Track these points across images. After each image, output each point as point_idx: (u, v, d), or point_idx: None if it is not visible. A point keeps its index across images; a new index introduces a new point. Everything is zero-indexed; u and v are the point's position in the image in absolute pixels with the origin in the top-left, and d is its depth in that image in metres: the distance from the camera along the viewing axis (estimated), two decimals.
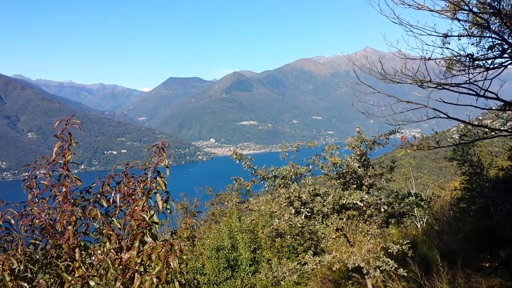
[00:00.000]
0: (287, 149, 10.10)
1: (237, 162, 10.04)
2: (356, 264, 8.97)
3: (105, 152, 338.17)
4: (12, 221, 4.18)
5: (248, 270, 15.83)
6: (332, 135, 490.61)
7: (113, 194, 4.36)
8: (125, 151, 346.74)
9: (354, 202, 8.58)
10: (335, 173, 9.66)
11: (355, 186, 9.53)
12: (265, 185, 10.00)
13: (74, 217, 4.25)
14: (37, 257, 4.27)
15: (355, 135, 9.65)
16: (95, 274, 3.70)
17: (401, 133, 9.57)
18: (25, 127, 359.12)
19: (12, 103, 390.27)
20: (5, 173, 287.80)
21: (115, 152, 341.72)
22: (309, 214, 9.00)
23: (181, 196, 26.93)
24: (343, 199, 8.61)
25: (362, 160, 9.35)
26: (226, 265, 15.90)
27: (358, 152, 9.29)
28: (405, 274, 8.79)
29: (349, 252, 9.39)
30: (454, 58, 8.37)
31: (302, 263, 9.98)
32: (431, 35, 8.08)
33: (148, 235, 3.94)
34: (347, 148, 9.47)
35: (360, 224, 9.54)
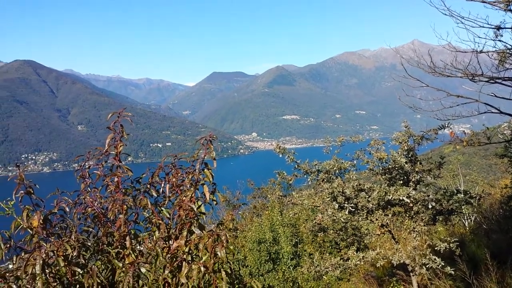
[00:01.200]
0: (330, 143, 10.02)
1: (280, 156, 10.06)
2: (401, 261, 8.81)
3: (151, 144, 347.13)
4: (67, 209, 4.37)
5: (290, 264, 15.87)
6: (376, 130, 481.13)
7: (162, 185, 4.49)
8: (170, 144, 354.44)
9: (400, 198, 8.41)
10: (380, 168, 9.49)
11: (401, 182, 9.34)
12: (308, 180, 9.98)
13: (125, 206, 4.40)
14: (89, 244, 4.46)
15: (402, 130, 9.43)
16: (145, 261, 3.83)
17: (450, 128, 9.27)
18: (75, 120, 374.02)
19: (63, 97, 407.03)
20: (56, 164, 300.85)
21: (160, 145, 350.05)
22: (353, 209, 8.91)
23: (224, 189, 27.30)
24: (389, 195, 8.47)
25: (410, 155, 9.14)
26: (268, 258, 16.00)
27: (406, 147, 9.08)
28: (452, 272, 8.55)
29: (394, 249, 9.23)
30: (508, 51, 8.00)
31: (345, 258, 9.90)
32: (483, 27, 7.75)
33: (195, 225, 4.04)
34: (394, 143, 9.29)
35: (406, 221, 9.35)
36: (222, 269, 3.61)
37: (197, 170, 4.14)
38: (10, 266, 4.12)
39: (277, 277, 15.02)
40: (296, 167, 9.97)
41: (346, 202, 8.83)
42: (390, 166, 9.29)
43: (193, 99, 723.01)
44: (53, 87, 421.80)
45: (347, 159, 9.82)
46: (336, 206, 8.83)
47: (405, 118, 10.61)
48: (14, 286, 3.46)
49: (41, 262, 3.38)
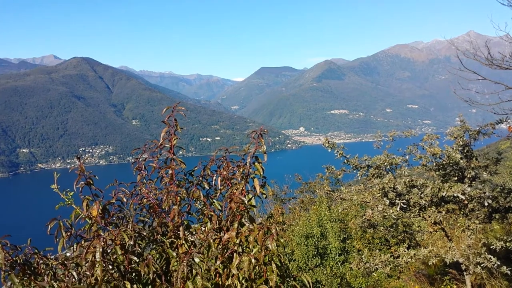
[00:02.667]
0: (381, 138, 9.81)
1: (329, 150, 9.96)
2: (455, 260, 8.52)
3: (200, 139, 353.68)
4: (124, 200, 4.57)
5: (338, 259, 15.73)
6: (429, 124, 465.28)
7: (214, 178, 4.59)
8: (218, 138, 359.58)
9: (455, 195, 8.12)
10: (434, 164, 9.19)
11: (456, 178, 9.00)
12: (358, 175, 9.82)
13: (178, 198, 4.55)
14: (145, 233, 4.63)
15: (457, 124, 9.08)
16: (198, 251, 3.94)
17: (509, 123, 8.83)
18: (129, 115, 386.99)
19: (118, 93, 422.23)
20: (112, 157, 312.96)
21: (209, 139, 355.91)
22: (404, 206, 8.70)
23: (272, 183, 27.42)
24: (443, 192, 8.19)
25: (465, 151, 8.78)
26: (315, 252, 15.94)
27: (461, 143, 8.73)
28: (508, 272, 8.17)
29: (447, 247, 8.94)
30: None
31: (395, 255, 9.69)
32: None
33: (246, 217, 4.11)
34: (449, 138, 8.96)
35: (460, 218, 9.02)
36: (272, 261, 3.65)
37: (248, 164, 4.20)
38: (68, 254, 4.37)
39: (324, 272, 14.95)
40: (345, 162, 9.84)
41: (398, 198, 8.64)
42: (444, 162, 8.97)
43: (241, 94, 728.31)
44: (109, 83, 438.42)
45: (398, 154, 9.58)
46: (387, 202, 8.65)
47: (460, 112, 10.21)
48: (74, 273, 3.66)
49: (100, 250, 3.55)
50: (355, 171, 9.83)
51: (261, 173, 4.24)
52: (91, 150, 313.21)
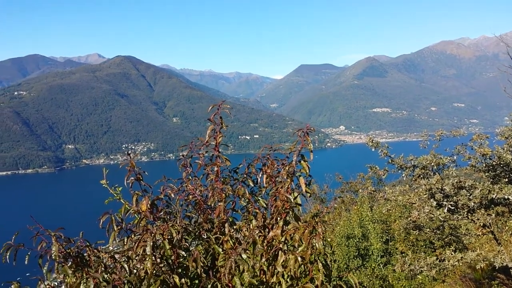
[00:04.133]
0: (427, 137, 9.54)
1: (373, 149, 9.78)
2: (504, 264, 8.18)
3: (239, 137, 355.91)
4: (172, 195, 4.65)
5: (380, 261, 15.46)
6: (476, 124, 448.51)
7: (260, 175, 4.60)
8: (257, 136, 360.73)
9: (506, 197, 7.79)
10: (483, 165, 8.85)
11: (506, 180, 8.64)
12: (403, 175, 9.60)
13: (224, 195, 4.59)
14: (190, 229, 4.70)
15: (507, 124, 8.71)
16: (245, 248, 3.95)
17: None
18: (170, 113, 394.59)
19: (159, 91, 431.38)
20: (153, 153, 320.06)
21: (248, 137, 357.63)
22: (452, 208, 8.43)
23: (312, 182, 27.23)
24: (493, 194, 7.88)
25: None
26: (357, 253, 15.73)
27: None
28: None
29: (495, 251, 8.60)
30: None
31: (441, 258, 9.42)
32: None
33: (291, 215, 4.10)
34: (499, 139, 8.61)
35: (510, 221, 8.66)
36: (318, 260, 3.62)
37: (294, 162, 4.18)
38: (110, 248, 4.49)
39: (366, 273, 14.73)
40: (390, 161, 9.64)
41: (445, 200, 8.38)
42: (494, 163, 8.63)
43: (280, 92, 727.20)
44: (150, 81, 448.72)
45: (446, 154, 9.29)
46: (434, 203, 8.41)
47: (510, 111, 9.78)
48: (126, 265, 3.76)
49: (151, 244, 3.64)
50: (400, 171, 9.62)
51: (307, 171, 4.21)
52: (133, 147, 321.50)
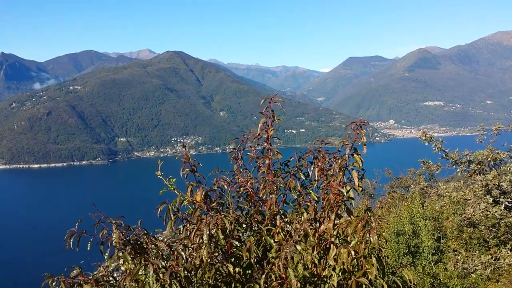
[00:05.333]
0: (484, 132, 9.16)
1: (426, 144, 9.53)
2: None
3: (285, 130, 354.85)
4: (225, 187, 4.76)
5: (431, 259, 15.04)
6: None
7: (312, 168, 4.61)
8: (303, 130, 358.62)
9: None
10: None
11: None
12: (457, 170, 9.30)
13: (275, 187, 4.64)
14: (242, 220, 4.79)
15: None
16: (299, 240, 3.99)
17: None
18: (217, 107, 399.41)
19: (207, 85, 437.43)
20: (201, 147, 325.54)
21: (294, 131, 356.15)
22: (510, 205, 8.08)
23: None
24: None
25: None
26: (407, 250, 15.38)
27: None
28: None
29: None
30: None
31: (496, 257, 9.06)
32: None
33: (343, 209, 4.09)
34: None
35: None
36: (372, 255, 3.60)
37: (346, 155, 4.16)
38: (161, 237, 4.65)
39: (417, 271, 14.38)
40: (444, 156, 9.36)
41: (502, 197, 8.04)
42: None
43: (327, 85, 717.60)
44: (199, 75, 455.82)
45: (503, 149, 8.90)
46: (490, 200, 8.09)
47: None
48: (182, 253, 3.89)
49: (207, 233, 3.75)
50: (454, 166, 9.32)
51: (360, 165, 4.17)
52: (182, 140, 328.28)
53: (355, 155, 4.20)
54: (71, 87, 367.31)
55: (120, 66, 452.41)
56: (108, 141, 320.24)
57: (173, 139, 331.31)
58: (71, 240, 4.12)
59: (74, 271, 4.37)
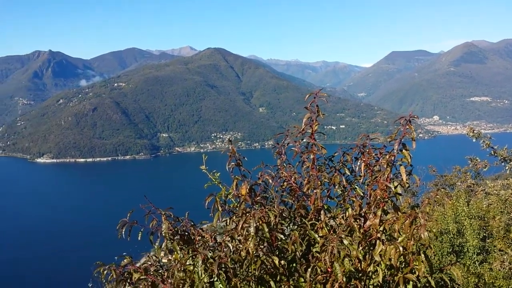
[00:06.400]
0: None
1: (474, 140, 9.25)
2: None
3: (325, 127, 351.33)
4: (270, 181, 4.82)
5: (475, 259, 14.60)
6: None
7: (358, 164, 4.59)
8: (343, 126, 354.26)
9: None
10: None
11: None
12: (506, 168, 8.98)
13: (319, 182, 4.65)
14: (285, 214, 4.84)
15: None
16: (346, 234, 3.99)
17: None
18: (257, 103, 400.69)
19: (247, 81, 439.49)
20: (240, 142, 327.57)
21: (334, 127, 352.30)
22: None
23: None
24: None
25: None
26: (450, 250, 15.00)
27: None
28: None
29: None
30: None
31: None
32: None
33: (390, 205, 4.05)
34: None
35: None
36: (421, 252, 3.56)
37: (395, 150, 4.11)
38: (205, 227, 4.75)
39: (460, 271, 13.98)
40: (492, 153, 9.05)
41: None
42: None
43: (369, 81, 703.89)
44: (238, 72, 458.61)
45: None
46: None
47: None
48: (230, 244, 3.99)
49: (254, 225, 3.82)
50: (503, 163, 9.00)
51: (409, 160, 4.12)
52: (221, 136, 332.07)
53: (403, 150, 4.15)
54: (115, 84, 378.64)
55: (163, 64, 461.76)
56: (150, 136, 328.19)
57: (213, 135, 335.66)
58: (123, 229, 4.29)
59: (124, 260, 4.56)
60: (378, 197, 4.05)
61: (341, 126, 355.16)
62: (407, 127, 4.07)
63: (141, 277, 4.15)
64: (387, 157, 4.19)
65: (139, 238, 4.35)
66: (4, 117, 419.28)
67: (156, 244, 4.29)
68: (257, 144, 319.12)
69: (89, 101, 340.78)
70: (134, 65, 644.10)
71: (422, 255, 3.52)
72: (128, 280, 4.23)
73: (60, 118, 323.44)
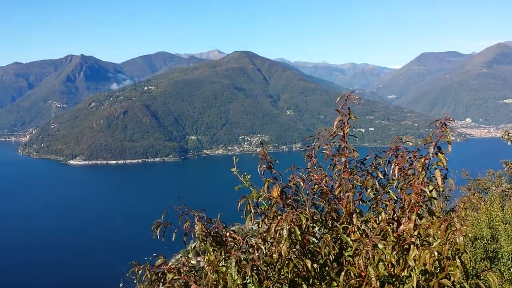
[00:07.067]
0: None
1: (509, 143, 8.99)
2: None
3: (354, 129, 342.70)
4: (301, 184, 4.82)
5: (510, 265, 14.20)
6: None
7: (392, 167, 4.54)
8: (372, 129, 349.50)
9: None
10: None
11: None
12: None
13: (351, 185, 4.62)
14: (316, 218, 4.82)
15: None
16: (381, 238, 3.95)
17: None
18: (284, 105, 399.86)
19: (274, 84, 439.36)
20: (268, 145, 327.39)
21: (363, 130, 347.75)
22: None
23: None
24: None
25: None
26: (484, 256, 14.62)
27: None
28: None
29: None
30: None
31: None
32: None
33: (425, 209, 3.99)
34: None
35: None
36: (457, 257, 3.49)
37: (430, 154, 4.05)
38: (233, 228, 4.77)
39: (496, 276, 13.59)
40: None
41: None
42: None
43: (399, 83, 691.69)
44: (266, 75, 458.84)
45: None
46: None
47: None
48: (263, 247, 4.01)
49: (287, 228, 3.83)
50: None
51: (444, 163, 4.05)
52: (249, 139, 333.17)
53: (439, 153, 4.08)
54: (145, 88, 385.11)
55: (191, 67, 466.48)
56: (179, 139, 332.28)
57: (240, 137, 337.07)
58: (158, 230, 4.38)
59: (158, 260, 4.64)
60: (413, 201, 3.99)
61: (370, 129, 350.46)
62: (443, 130, 4.00)
63: (175, 278, 4.22)
64: (422, 160, 4.13)
65: (173, 239, 4.43)
66: (38, 120, 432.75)
67: (190, 245, 4.35)
68: (284, 146, 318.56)
69: (120, 104, 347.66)
70: (164, 68, 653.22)
71: (458, 260, 3.45)
72: (162, 280, 4.30)
73: (92, 121, 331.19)
